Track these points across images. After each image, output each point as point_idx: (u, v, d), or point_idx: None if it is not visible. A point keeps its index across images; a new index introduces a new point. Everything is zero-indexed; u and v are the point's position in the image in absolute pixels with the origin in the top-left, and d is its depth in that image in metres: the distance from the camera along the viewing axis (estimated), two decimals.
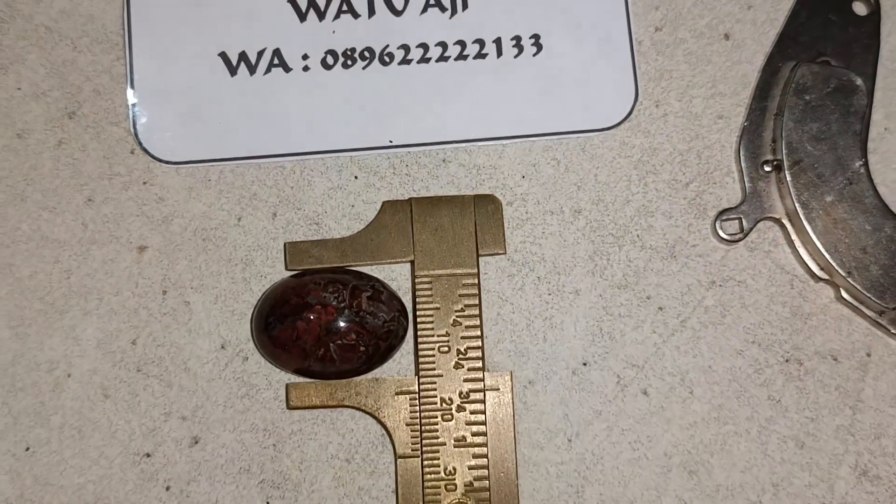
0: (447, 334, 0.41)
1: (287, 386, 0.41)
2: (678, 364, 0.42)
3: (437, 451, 0.41)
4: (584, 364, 0.42)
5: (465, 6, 0.44)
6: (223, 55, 0.44)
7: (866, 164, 0.42)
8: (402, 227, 0.42)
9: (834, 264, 0.41)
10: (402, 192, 0.43)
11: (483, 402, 0.41)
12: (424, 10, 0.44)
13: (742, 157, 0.43)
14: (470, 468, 0.40)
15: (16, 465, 0.42)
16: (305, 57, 0.44)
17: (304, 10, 0.44)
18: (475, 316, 0.41)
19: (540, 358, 0.42)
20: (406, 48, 0.44)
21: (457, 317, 0.41)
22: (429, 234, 0.42)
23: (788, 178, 0.42)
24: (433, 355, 0.41)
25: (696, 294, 0.43)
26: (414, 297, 0.42)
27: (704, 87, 0.44)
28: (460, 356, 0.41)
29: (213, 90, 0.44)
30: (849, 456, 0.42)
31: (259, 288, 0.43)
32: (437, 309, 0.41)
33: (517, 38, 0.44)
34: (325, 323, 0.40)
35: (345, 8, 0.44)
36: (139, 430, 0.42)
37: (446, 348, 0.41)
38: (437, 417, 0.41)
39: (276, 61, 0.44)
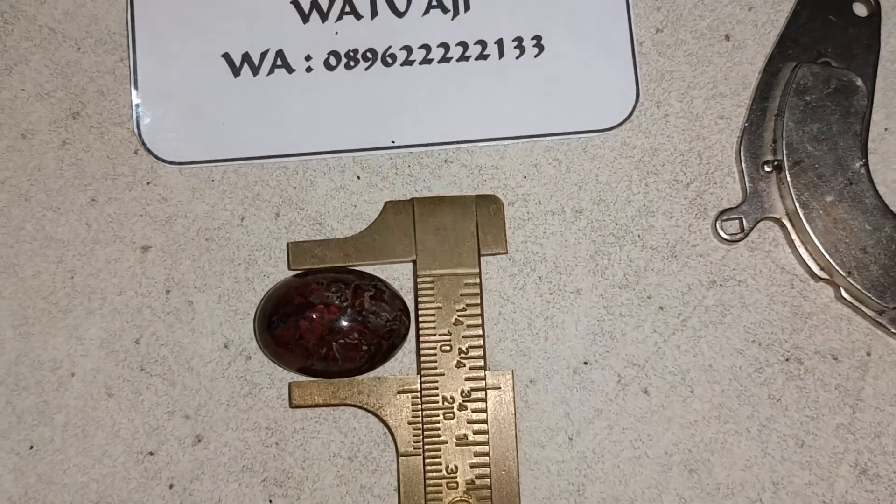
0: (449, 333, 0.41)
1: (290, 385, 0.42)
2: (679, 363, 0.42)
3: (439, 450, 0.41)
4: (585, 363, 0.43)
5: (467, 7, 0.44)
6: (226, 56, 0.44)
7: (866, 165, 0.42)
8: (405, 227, 0.42)
9: (834, 264, 0.42)
10: (404, 193, 0.44)
11: (484, 400, 0.41)
12: (427, 11, 0.44)
13: (743, 158, 0.43)
14: (471, 466, 0.41)
15: (20, 463, 0.42)
16: (308, 58, 0.44)
17: (306, 11, 0.44)
18: (477, 315, 0.41)
19: (541, 357, 0.43)
20: (408, 49, 0.44)
21: (458, 316, 0.41)
22: (431, 233, 0.42)
23: (789, 179, 0.42)
24: (435, 354, 0.41)
25: (697, 294, 0.43)
26: (416, 296, 0.42)
27: (705, 88, 0.44)
28: (462, 355, 0.41)
29: (217, 91, 0.44)
30: (849, 455, 0.42)
31: (262, 287, 0.43)
32: (439, 308, 0.41)
33: (519, 39, 0.44)
34: (328, 322, 0.40)
35: (347, 9, 0.44)
36: (142, 428, 0.42)
37: (448, 347, 0.41)
38: (438, 416, 0.41)
39: (278, 62, 0.44)
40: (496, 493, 0.40)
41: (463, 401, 0.41)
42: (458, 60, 0.44)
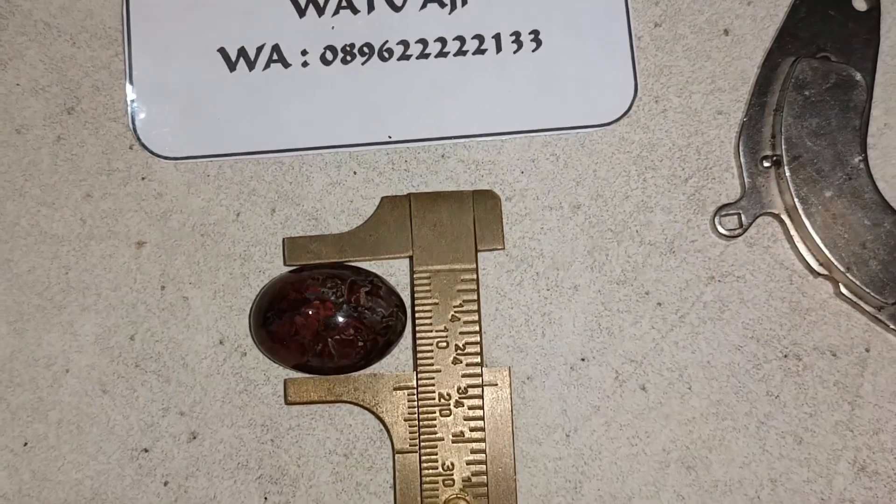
0: (445, 330, 0.41)
1: (285, 381, 0.41)
2: (677, 359, 0.42)
3: (436, 447, 0.41)
4: (583, 359, 0.42)
5: (464, 2, 0.44)
6: (222, 51, 0.44)
7: (866, 160, 0.42)
8: (401, 223, 0.42)
9: (833, 260, 0.41)
10: (400, 188, 0.43)
11: (481, 397, 0.41)
12: (423, 5, 0.44)
13: (741, 153, 0.43)
14: (468, 463, 0.40)
15: (14, 460, 0.42)
16: (304, 52, 0.44)
17: (303, 5, 0.44)
18: (474, 311, 0.41)
19: (538, 353, 0.42)
20: (405, 44, 0.44)
21: (455, 312, 0.41)
22: (427, 229, 0.42)
23: (788, 174, 0.42)
24: (431, 351, 0.41)
25: (695, 289, 0.43)
26: (412, 292, 0.42)
27: (704, 83, 0.44)
28: (458, 351, 0.41)
29: (212, 86, 0.44)
30: (847, 451, 0.42)
31: (257, 283, 0.43)
32: (436, 304, 0.41)
33: (516, 34, 0.44)
34: (324, 318, 0.40)
35: (344, 3, 0.44)
36: (137, 425, 0.42)
37: (445, 344, 0.41)
38: (435, 413, 0.41)
39: (274, 57, 0.44)
40: (493, 490, 0.40)
41: (459, 397, 0.41)
42: (455, 55, 0.44)
